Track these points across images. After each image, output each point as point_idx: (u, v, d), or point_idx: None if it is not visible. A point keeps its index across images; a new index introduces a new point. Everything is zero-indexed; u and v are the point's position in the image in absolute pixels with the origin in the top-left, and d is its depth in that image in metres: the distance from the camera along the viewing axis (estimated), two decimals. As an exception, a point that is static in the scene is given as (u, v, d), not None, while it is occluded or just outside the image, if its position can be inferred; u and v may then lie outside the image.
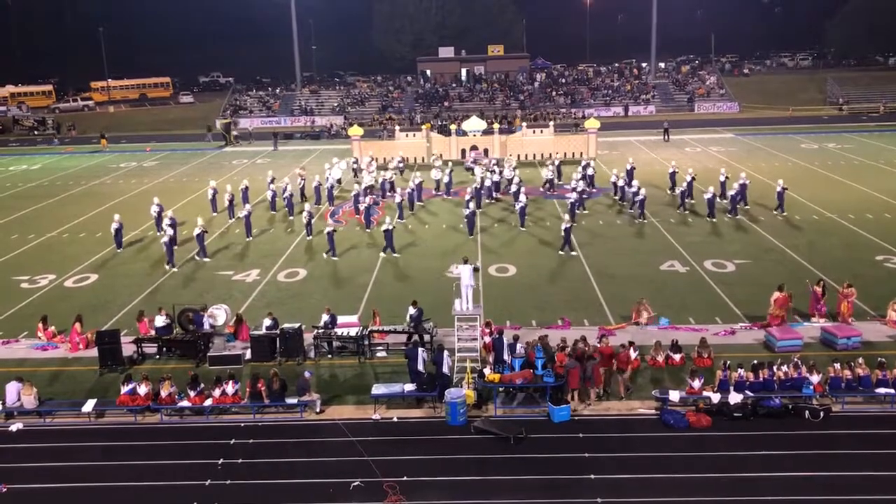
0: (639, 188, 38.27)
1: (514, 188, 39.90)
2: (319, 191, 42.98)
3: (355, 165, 50.98)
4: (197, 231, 33.08)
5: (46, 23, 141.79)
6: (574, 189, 39.35)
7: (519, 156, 54.31)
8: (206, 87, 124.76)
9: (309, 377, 19.97)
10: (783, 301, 23.76)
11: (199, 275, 31.10)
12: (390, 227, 32.90)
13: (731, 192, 37.74)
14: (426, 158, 54.23)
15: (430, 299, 25.77)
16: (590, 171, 44.09)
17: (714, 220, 36.28)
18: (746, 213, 37.57)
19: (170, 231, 33.04)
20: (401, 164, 50.95)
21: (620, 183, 41.67)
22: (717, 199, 38.01)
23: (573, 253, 32.09)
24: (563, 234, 32.36)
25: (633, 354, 21.63)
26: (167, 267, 31.78)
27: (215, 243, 35.52)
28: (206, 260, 32.78)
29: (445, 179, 44.90)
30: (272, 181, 43.67)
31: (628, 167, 43.48)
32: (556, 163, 46.81)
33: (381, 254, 32.68)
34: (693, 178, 40.05)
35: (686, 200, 38.65)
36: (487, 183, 42.76)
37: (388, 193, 43.35)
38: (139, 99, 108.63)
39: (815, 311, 24.31)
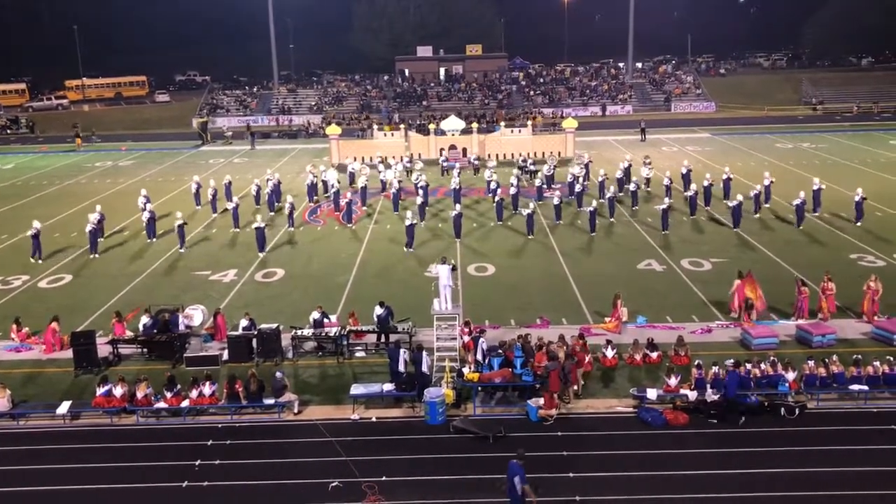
0: (695, 192, 37.68)
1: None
2: (339, 190, 41.75)
3: (408, 164, 49.28)
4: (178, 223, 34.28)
5: (20, 20, 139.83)
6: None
7: (497, 155, 54.25)
8: (183, 85, 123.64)
9: (281, 377, 19.74)
10: (742, 288, 24.32)
11: (176, 275, 30.86)
12: (413, 223, 33.49)
13: (796, 202, 35.06)
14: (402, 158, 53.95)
15: (410, 299, 25.78)
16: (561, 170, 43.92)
17: (737, 229, 34.70)
18: (817, 220, 36.13)
19: (147, 216, 35.99)
20: (445, 164, 50.35)
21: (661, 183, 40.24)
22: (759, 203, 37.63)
23: (410, 250, 32.93)
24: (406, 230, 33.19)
25: (609, 353, 21.79)
26: (148, 240, 35.35)
27: (196, 240, 35.54)
28: (182, 251, 33.76)
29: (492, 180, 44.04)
30: (271, 180, 42.93)
31: (684, 171, 42.45)
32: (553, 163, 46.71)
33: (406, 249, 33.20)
34: (730, 179, 40.09)
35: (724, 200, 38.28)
36: (538, 182, 42.29)
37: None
38: (114, 98, 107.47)
39: (796, 310, 24.58)
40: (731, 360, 19.81)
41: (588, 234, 34.60)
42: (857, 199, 35.46)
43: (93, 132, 74.27)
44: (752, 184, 40.90)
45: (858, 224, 34.96)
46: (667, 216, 35.00)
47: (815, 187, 37.23)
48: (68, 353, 22.56)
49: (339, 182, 42.49)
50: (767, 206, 38.32)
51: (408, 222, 33.24)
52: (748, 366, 19.96)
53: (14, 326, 24.56)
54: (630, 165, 44.98)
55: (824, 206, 37.46)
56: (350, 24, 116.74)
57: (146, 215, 36.19)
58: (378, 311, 23.16)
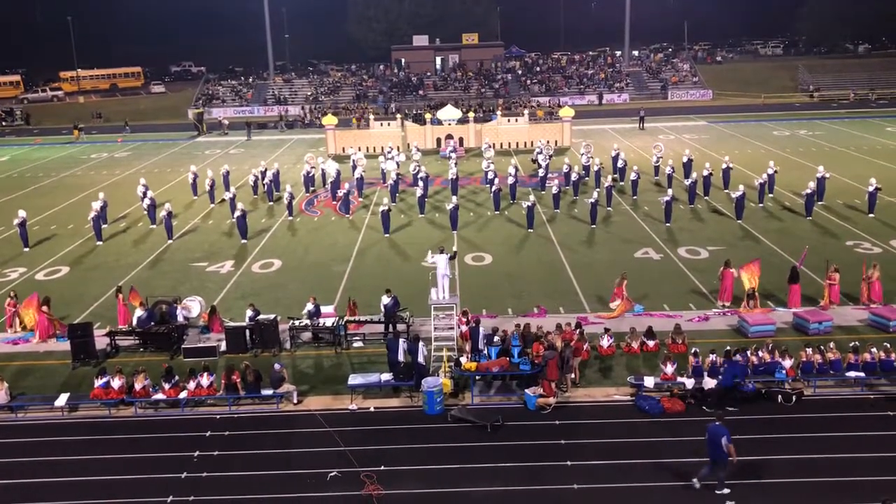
0: (695, 181, 37.38)
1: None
2: (338, 180, 41.68)
3: (410, 153, 49.52)
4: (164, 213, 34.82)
5: (14, 12, 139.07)
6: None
7: (494, 144, 53.89)
8: (178, 76, 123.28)
9: (279, 369, 19.72)
10: (730, 276, 24.61)
11: (173, 266, 30.83)
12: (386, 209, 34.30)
13: (806, 192, 34.62)
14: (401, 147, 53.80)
15: (407, 289, 25.77)
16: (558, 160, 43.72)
17: (740, 221, 34.03)
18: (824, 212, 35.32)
19: (148, 203, 37.27)
20: (450, 153, 49.97)
21: (668, 171, 40.03)
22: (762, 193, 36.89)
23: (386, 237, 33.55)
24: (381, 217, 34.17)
25: (605, 342, 21.80)
26: (151, 226, 36.37)
27: (193, 230, 35.58)
28: (170, 241, 33.97)
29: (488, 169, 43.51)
30: (269, 170, 42.92)
31: (685, 160, 42.30)
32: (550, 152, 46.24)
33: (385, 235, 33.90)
34: (730, 168, 39.74)
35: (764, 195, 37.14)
36: (541, 172, 42.13)
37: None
38: (110, 89, 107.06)
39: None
40: (728, 348, 19.86)
41: (587, 226, 34.45)
42: (870, 189, 34.63)
43: (126, 122, 74.00)
44: (751, 173, 40.83)
45: (871, 215, 34.25)
46: (670, 208, 34.47)
47: (819, 175, 36.60)
48: (66, 346, 22.55)
49: (339, 171, 42.35)
50: (771, 195, 38.10)
51: (382, 209, 34.09)
52: (747, 353, 20.01)
53: (13, 301, 24.77)
54: (618, 154, 44.09)
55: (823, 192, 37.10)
56: (345, 14, 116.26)
57: (146, 202, 37.15)
58: (385, 300, 23.13)
